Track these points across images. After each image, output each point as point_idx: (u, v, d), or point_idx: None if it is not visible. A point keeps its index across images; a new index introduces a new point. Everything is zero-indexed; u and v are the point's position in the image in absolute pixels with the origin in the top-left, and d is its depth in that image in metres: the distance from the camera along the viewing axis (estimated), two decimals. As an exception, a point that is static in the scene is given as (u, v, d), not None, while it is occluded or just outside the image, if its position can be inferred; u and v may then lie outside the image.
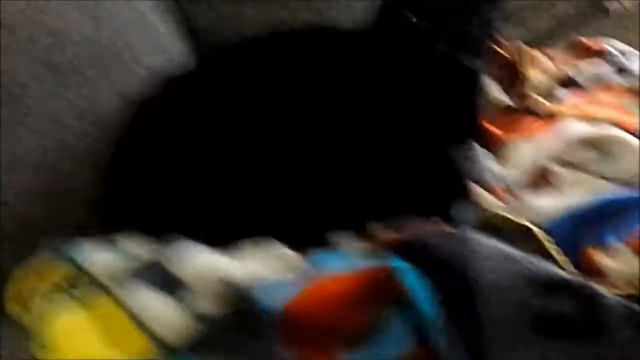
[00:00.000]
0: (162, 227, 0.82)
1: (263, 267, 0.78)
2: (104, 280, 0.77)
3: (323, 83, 0.88)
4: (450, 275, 0.68)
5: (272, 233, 0.82)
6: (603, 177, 0.83)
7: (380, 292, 0.71)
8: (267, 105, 0.88)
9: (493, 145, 0.96)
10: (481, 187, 0.88)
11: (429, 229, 0.73)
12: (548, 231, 0.75)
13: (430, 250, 0.71)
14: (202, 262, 0.76)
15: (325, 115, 0.87)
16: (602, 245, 0.75)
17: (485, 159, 0.93)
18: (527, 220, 0.76)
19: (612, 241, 0.76)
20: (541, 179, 0.87)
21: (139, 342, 0.73)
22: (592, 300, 0.65)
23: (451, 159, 0.90)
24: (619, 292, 0.68)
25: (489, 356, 0.64)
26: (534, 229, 0.75)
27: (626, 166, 0.84)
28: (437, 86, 0.89)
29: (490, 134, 0.98)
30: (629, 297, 0.68)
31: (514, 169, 0.91)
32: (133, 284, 0.76)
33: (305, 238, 0.81)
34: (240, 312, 0.72)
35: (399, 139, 0.87)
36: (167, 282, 0.76)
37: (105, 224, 0.90)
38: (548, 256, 0.72)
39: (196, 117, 0.90)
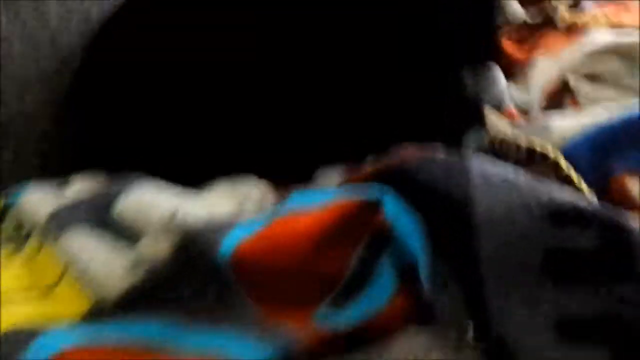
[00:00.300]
0: (129, 166, 0.70)
1: (229, 205, 0.66)
2: (37, 220, 0.66)
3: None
4: (442, 204, 0.55)
5: (253, 169, 0.69)
6: (630, 91, 0.69)
7: (357, 228, 0.58)
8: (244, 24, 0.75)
9: (510, 66, 0.84)
10: (496, 111, 0.75)
11: (417, 153, 0.60)
12: (566, 153, 0.61)
13: (417, 176, 0.57)
14: (151, 199, 0.64)
15: (314, 28, 0.74)
16: (634, 169, 0.62)
17: (502, 81, 0.80)
18: (542, 142, 0.62)
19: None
20: (561, 97, 0.74)
21: (69, 293, 0.61)
22: (618, 232, 0.50)
23: (464, 81, 0.77)
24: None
25: (487, 302, 0.52)
26: (548, 150, 0.61)
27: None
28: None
29: (508, 53, 0.85)
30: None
31: (532, 89, 0.77)
32: (67, 224, 0.63)
33: (291, 174, 0.68)
34: (191, 255, 0.60)
35: (404, 59, 0.74)
36: (109, 221, 0.63)
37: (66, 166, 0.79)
38: (565, 182, 0.59)
39: (163, 39, 0.77)
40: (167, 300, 0.60)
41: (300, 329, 0.56)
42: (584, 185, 0.58)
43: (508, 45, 0.86)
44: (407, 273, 0.57)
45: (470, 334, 0.52)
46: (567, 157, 0.61)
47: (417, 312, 0.56)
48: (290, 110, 0.72)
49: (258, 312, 0.58)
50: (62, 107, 0.84)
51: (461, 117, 0.74)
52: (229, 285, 0.59)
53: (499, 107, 0.76)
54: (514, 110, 0.75)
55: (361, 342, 0.55)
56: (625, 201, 0.59)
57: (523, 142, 0.62)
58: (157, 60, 0.75)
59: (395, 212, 0.57)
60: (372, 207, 0.59)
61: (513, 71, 0.83)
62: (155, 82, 0.75)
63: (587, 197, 0.57)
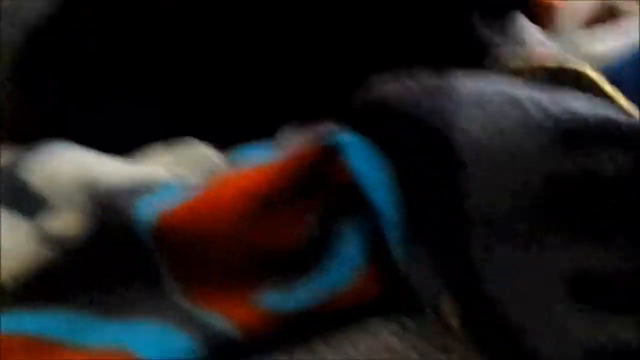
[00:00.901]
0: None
1: (161, 169, 0.51)
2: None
3: None
4: (416, 135, 0.39)
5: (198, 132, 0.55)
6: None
7: (313, 182, 0.43)
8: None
9: (546, 14, 0.68)
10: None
11: (392, 81, 0.44)
12: (605, 74, 0.44)
13: (387, 104, 0.41)
14: (63, 162, 0.50)
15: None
16: None
17: (527, 30, 0.64)
18: (569, 59, 0.45)
19: None
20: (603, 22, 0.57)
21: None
22: None
23: (480, 31, 0.62)
24: None
25: (474, 263, 0.35)
26: (575, 65, 0.44)
27: None
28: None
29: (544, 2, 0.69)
30: None
31: (566, 24, 0.61)
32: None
33: (247, 136, 0.53)
34: (108, 229, 0.46)
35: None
36: (16, 194, 0.49)
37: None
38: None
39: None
40: (80, 287, 0.46)
41: (236, 316, 0.42)
42: (624, 101, 0.41)
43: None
44: (378, 240, 0.41)
45: (455, 312, 0.35)
46: (608, 79, 0.44)
47: (391, 289, 0.40)
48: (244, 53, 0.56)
49: (186, 296, 0.44)
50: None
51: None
52: (152, 264, 0.45)
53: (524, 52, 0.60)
54: (543, 51, 0.58)
55: (318, 326, 0.40)
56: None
57: (543, 63, 0.46)
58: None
59: (360, 158, 0.42)
60: (331, 154, 0.44)
61: (549, 19, 0.67)
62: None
63: (628, 113, 0.40)
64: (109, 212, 0.46)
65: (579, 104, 0.37)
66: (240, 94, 0.55)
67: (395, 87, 0.43)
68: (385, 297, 0.40)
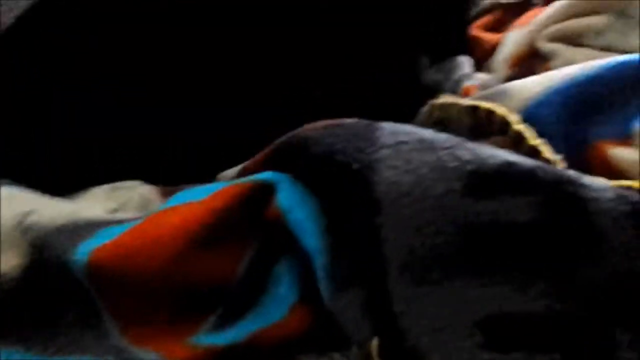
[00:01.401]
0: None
1: (101, 210, 0.52)
2: None
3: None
4: (341, 178, 0.41)
5: (141, 173, 0.55)
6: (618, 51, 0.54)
7: (246, 221, 0.44)
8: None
9: (482, 52, 0.70)
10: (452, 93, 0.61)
11: (322, 123, 0.45)
12: (526, 116, 0.46)
13: (316, 147, 0.43)
14: (2, 205, 0.50)
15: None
16: (618, 135, 0.47)
17: (464, 68, 0.66)
18: (490, 102, 0.47)
19: (633, 127, 0.47)
20: (532, 66, 0.59)
21: None
22: (565, 195, 0.35)
23: (422, 72, 0.64)
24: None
25: (393, 304, 0.37)
26: (494, 108, 0.46)
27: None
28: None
29: (479, 40, 0.71)
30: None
31: (496, 63, 0.63)
32: None
33: (190, 177, 0.54)
34: (44, 269, 0.47)
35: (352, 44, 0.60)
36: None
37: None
38: (517, 144, 0.44)
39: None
40: (16, 327, 0.47)
41: (172, 354, 0.43)
42: (540, 143, 0.43)
43: (479, 31, 0.73)
44: (309, 278, 0.43)
45: (376, 350, 0.37)
46: (529, 121, 0.46)
47: (322, 326, 0.42)
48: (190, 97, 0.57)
49: (123, 334, 0.45)
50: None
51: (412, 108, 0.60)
52: (90, 303, 0.46)
53: (456, 91, 0.62)
54: (472, 87, 0.60)
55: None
56: (603, 168, 0.44)
57: (465, 103, 0.47)
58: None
59: (290, 198, 0.43)
60: (264, 193, 0.45)
61: (485, 56, 0.69)
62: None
63: (551, 161, 0.42)
64: (46, 252, 0.47)
65: (487, 151, 0.38)
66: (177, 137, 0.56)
67: (316, 128, 0.45)
68: (316, 333, 0.41)
